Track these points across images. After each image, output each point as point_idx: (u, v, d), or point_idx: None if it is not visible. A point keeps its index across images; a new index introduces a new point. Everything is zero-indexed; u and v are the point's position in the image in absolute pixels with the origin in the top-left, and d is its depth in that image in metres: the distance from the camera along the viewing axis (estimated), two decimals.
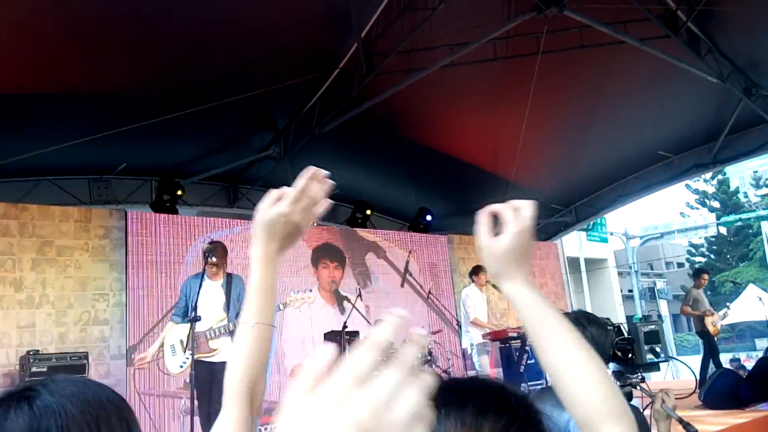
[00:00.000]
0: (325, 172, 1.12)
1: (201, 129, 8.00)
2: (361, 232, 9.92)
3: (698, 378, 8.37)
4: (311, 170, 1.11)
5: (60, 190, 8.19)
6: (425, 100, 8.47)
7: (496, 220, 1.03)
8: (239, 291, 5.30)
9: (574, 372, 0.91)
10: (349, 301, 8.29)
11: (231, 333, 5.16)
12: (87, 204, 8.23)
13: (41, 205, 7.38)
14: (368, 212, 10.13)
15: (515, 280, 0.98)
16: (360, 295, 8.29)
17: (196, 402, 4.88)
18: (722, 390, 6.24)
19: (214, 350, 5.05)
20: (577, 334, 0.95)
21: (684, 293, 10.78)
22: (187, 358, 4.83)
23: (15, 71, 6.17)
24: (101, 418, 0.84)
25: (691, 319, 8.97)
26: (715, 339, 8.70)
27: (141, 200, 8.74)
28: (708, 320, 8.50)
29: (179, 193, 8.23)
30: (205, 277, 5.04)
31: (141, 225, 7.76)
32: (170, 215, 8.08)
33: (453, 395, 0.78)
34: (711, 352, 8.69)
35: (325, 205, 1.12)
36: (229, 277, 5.28)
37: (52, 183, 8.15)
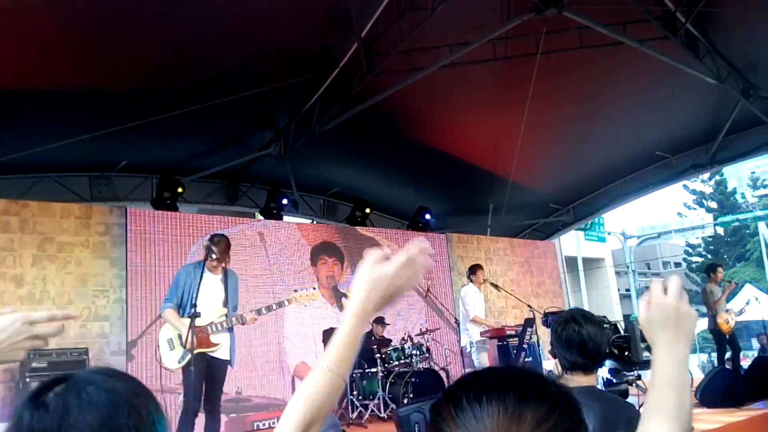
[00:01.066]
0: (432, 250, 1.19)
1: (202, 127, 8.04)
2: (360, 230, 9.96)
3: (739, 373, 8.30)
4: (423, 243, 1.17)
5: (61, 187, 8.22)
6: (425, 99, 8.51)
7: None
8: (235, 286, 5.29)
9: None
10: (347, 297, 8.34)
11: (230, 329, 5.14)
12: (88, 201, 8.26)
13: (42, 202, 7.41)
14: (367, 210, 10.16)
15: (659, 342, 1.14)
16: None
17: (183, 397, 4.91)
18: (718, 388, 6.28)
19: (216, 345, 5.03)
20: (685, 405, 1.09)
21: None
22: (187, 353, 4.81)
23: (16, 68, 6.20)
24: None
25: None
26: (727, 336, 8.56)
27: (142, 197, 8.78)
28: (721, 318, 8.46)
29: (180, 190, 8.26)
30: (206, 269, 5.04)
31: (141, 222, 7.79)
32: (171, 212, 8.12)
33: (494, 383, 0.80)
34: (722, 351, 8.66)
35: (422, 280, 1.21)
36: (226, 272, 5.25)
37: (53, 180, 8.18)
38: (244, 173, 9.52)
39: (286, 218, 9.62)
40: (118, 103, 7.12)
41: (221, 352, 5.05)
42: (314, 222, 10.50)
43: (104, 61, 6.47)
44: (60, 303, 7.07)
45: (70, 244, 7.31)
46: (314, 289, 5.72)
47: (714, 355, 26.25)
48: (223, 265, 5.19)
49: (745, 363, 8.27)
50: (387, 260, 1.14)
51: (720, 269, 8.99)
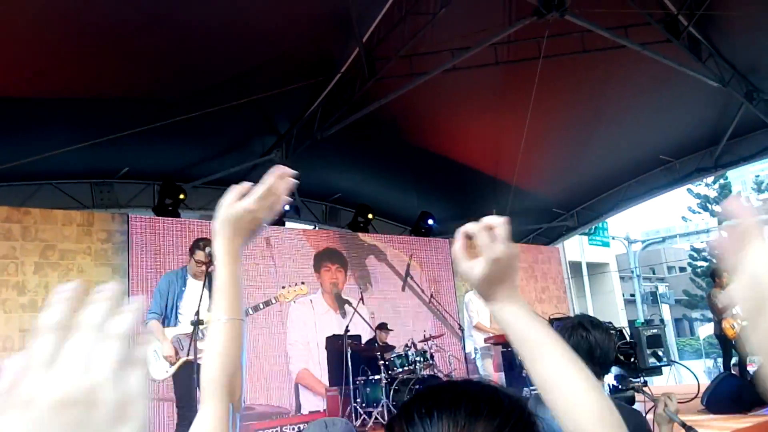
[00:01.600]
0: (292, 171, 1.13)
1: (203, 133, 8.03)
2: (362, 236, 9.93)
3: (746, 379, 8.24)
4: (280, 168, 1.13)
5: (63, 194, 8.21)
6: (427, 104, 8.49)
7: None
8: None
9: (563, 386, 0.90)
10: (350, 305, 8.30)
11: None
12: (90, 208, 8.25)
13: (44, 209, 7.40)
14: (370, 216, 10.13)
15: (497, 301, 0.96)
16: (362, 298, 8.30)
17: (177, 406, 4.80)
18: (725, 394, 6.22)
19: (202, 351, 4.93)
20: (565, 346, 0.93)
21: (686, 297, 10.67)
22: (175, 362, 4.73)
23: (17, 75, 6.20)
24: None
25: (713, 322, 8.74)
26: (733, 342, 8.47)
27: (143, 204, 8.76)
28: (727, 323, 8.38)
29: (181, 197, 8.24)
30: (189, 275, 4.96)
31: (143, 229, 7.77)
32: (172, 219, 8.10)
33: (445, 397, 0.79)
34: (728, 356, 8.58)
35: (286, 202, 1.14)
36: (210, 276, 5.12)
37: (54, 187, 8.17)
38: (246, 179, 9.32)
39: (288, 224, 9.59)
40: (119, 110, 7.11)
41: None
42: (316, 228, 10.47)
43: (105, 68, 6.46)
44: None
45: (72, 252, 7.29)
46: (302, 283, 5.57)
47: (720, 360, 26.13)
48: (210, 270, 5.08)
49: (752, 368, 8.19)
50: (245, 196, 1.10)
51: (726, 274, 8.87)
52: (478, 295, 1.00)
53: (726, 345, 8.51)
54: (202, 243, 5.06)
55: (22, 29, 5.59)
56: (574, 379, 0.90)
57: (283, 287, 5.49)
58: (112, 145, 7.10)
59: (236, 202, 1.10)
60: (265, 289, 8.33)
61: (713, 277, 9.08)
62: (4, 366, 0.47)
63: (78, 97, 6.78)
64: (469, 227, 0.97)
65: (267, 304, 5.31)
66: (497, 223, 0.96)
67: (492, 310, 0.97)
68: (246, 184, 1.11)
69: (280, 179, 1.12)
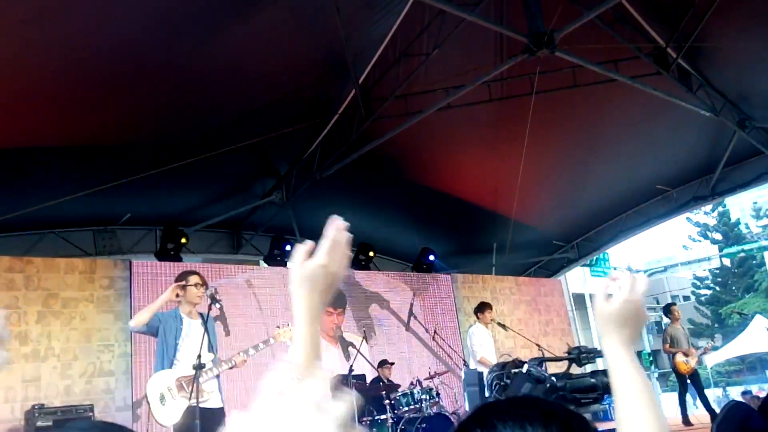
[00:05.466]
0: (346, 224, 1.16)
1: (204, 177, 8.11)
2: (364, 282, 9.87)
3: (681, 416, 8.29)
4: (336, 220, 1.16)
5: (65, 242, 8.25)
6: (424, 141, 8.60)
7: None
8: (214, 329, 5.14)
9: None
10: (354, 347, 8.25)
11: (217, 375, 4.93)
12: (92, 255, 8.29)
13: (46, 258, 7.42)
14: (371, 254, 10.16)
15: (612, 338, 1.10)
16: (365, 338, 8.26)
17: None
18: (734, 422, 6.15)
19: (208, 393, 4.79)
20: (653, 401, 1.04)
21: (691, 326, 10.63)
22: (180, 406, 4.63)
23: (17, 126, 6.28)
24: None
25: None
26: (688, 376, 8.42)
27: (146, 249, 8.79)
28: (678, 359, 8.39)
29: (183, 241, 8.28)
30: (183, 315, 4.92)
31: (146, 274, 7.78)
32: (174, 263, 8.11)
33: (534, 413, 0.81)
34: (683, 390, 8.57)
35: (350, 254, 1.16)
36: (203, 315, 5.04)
37: (57, 235, 8.22)
38: (247, 221, 9.56)
39: (290, 265, 9.59)
40: (120, 157, 7.20)
41: (214, 401, 4.83)
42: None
43: (105, 115, 6.56)
44: (65, 359, 7.02)
45: (74, 300, 7.29)
46: None
47: (729, 389, 25.76)
48: (200, 310, 5.02)
49: (762, 395, 8.12)
50: (312, 254, 1.12)
51: (675, 308, 9.01)
52: (598, 330, 1.16)
53: (682, 379, 8.52)
54: (191, 278, 5.01)
55: (22, 80, 5.71)
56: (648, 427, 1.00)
57: (278, 327, 5.41)
58: (113, 192, 7.17)
59: (306, 260, 1.11)
60: (268, 329, 8.30)
61: (666, 313, 9.13)
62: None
63: (79, 145, 6.87)
64: (619, 273, 1.17)
65: (265, 343, 5.26)
66: (641, 278, 1.15)
67: (603, 346, 1.13)
68: (307, 242, 1.13)
69: (340, 231, 1.14)
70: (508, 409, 0.82)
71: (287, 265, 9.42)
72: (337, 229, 1.14)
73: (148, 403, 4.74)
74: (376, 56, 7.54)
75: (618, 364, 1.08)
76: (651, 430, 0.99)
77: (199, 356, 4.62)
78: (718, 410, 8.52)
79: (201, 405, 4.54)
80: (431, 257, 10.77)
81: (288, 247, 9.19)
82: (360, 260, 10.14)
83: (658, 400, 1.05)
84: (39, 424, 6.14)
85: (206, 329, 4.85)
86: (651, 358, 21.88)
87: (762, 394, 8.32)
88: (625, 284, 1.12)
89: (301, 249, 1.12)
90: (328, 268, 1.11)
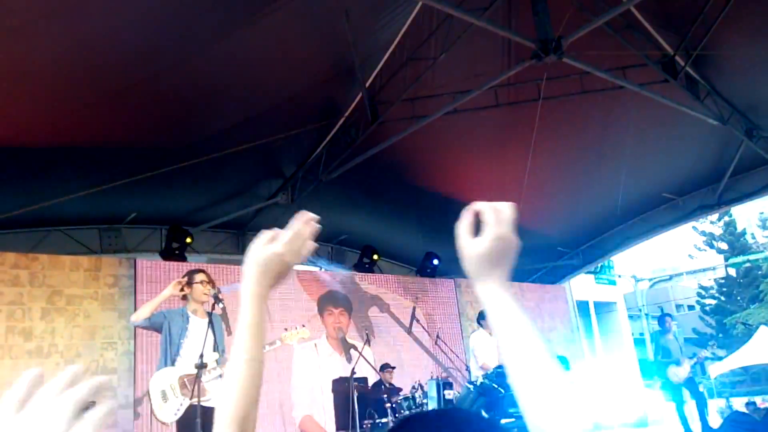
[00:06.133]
0: (315, 217, 1.20)
1: (210, 178, 8.13)
2: (364, 286, 9.87)
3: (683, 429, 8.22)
4: (304, 214, 1.19)
5: (71, 240, 8.28)
6: (429, 146, 8.60)
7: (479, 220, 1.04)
8: (221, 329, 5.15)
9: (532, 378, 0.92)
10: (356, 349, 8.24)
11: (221, 375, 4.93)
12: (98, 253, 8.32)
13: (51, 255, 7.45)
14: (375, 257, 10.15)
15: (487, 281, 1.00)
16: (368, 341, 8.25)
17: None
18: None
19: (212, 392, 4.80)
20: (540, 342, 0.96)
21: (695, 336, 10.55)
22: (182, 404, 4.64)
23: (25, 124, 6.33)
24: None
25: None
26: (683, 386, 8.36)
27: (151, 248, 8.82)
28: (670, 370, 8.34)
29: (188, 240, 8.31)
30: (190, 314, 4.93)
31: (150, 273, 7.80)
32: (179, 263, 8.13)
33: (444, 423, 0.82)
34: (679, 401, 8.50)
35: (312, 246, 1.19)
36: (210, 315, 5.03)
37: (63, 233, 8.25)
38: (252, 222, 9.57)
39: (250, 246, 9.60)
40: (126, 156, 7.23)
41: (216, 400, 4.84)
42: (322, 270, 10.48)
43: (114, 116, 6.60)
44: (68, 356, 7.04)
45: (78, 297, 7.32)
46: (303, 326, 5.49)
47: (732, 400, 25.61)
48: (207, 308, 5.02)
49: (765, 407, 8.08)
50: (274, 239, 1.15)
51: (668, 320, 8.90)
52: (468, 273, 1.02)
53: (676, 390, 8.47)
54: (197, 276, 5.02)
55: (30, 80, 5.74)
56: (544, 373, 0.92)
57: (286, 329, 5.42)
58: (119, 191, 7.20)
59: (266, 246, 1.15)
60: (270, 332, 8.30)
61: (660, 322, 9.05)
62: None
63: (86, 145, 6.90)
64: (479, 205, 1.02)
65: (271, 344, 5.24)
66: (506, 206, 1.03)
67: (478, 291, 1.00)
68: (274, 230, 1.16)
69: (305, 224, 1.18)
70: (424, 421, 0.82)
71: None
72: (304, 221, 1.18)
73: (150, 399, 4.74)
74: (383, 60, 7.56)
75: (499, 306, 0.98)
76: (544, 368, 0.92)
77: (202, 355, 4.62)
78: (718, 422, 8.50)
79: (203, 404, 4.54)
80: (435, 261, 10.76)
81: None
82: (364, 263, 10.14)
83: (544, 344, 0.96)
84: None
85: (212, 328, 4.86)
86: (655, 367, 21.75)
87: (766, 406, 8.27)
88: (490, 217, 1.01)
89: (265, 234, 1.16)
90: (283, 257, 1.14)
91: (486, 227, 1.00)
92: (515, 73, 7.07)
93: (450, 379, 8.08)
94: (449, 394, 6.77)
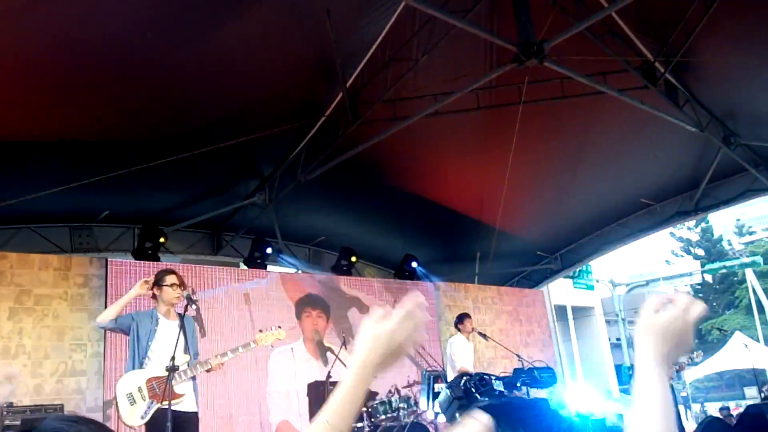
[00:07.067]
0: (427, 303, 1.20)
1: (185, 176, 7.98)
2: (344, 287, 9.78)
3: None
4: (418, 296, 1.19)
5: (41, 238, 8.08)
6: (410, 147, 8.54)
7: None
8: (193, 331, 5.00)
9: None
10: (332, 352, 8.14)
11: (193, 378, 4.79)
12: (68, 252, 8.12)
13: (20, 253, 7.26)
14: (353, 259, 10.06)
15: (647, 351, 1.08)
16: (344, 344, 8.15)
17: None
18: None
19: (181, 395, 4.64)
20: (671, 423, 1.01)
21: None
22: (149, 407, 4.50)
23: None
24: None
25: None
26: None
27: (123, 248, 8.64)
28: None
29: (162, 240, 8.14)
30: (160, 316, 4.80)
31: (122, 273, 7.63)
32: (152, 263, 7.96)
33: None
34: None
35: (423, 336, 1.18)
36: (181, 316, 4.86)
37: (33, 231, 8.05)
38: (229, 222, 9.43)
39: (270, 268, 9.48)
40: (99, 153, 7.07)
41: (187, 404, 4.69)
42: (299, 272, 10.36)
43: (86, 111, 6.44)
44: (36, 357, 6.86)
45: (47, 297, 7.13)
46: (279, 327, 5.33)
47: (707, 405, 25.91)
48: (178, 310, 4.87)
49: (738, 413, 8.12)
50: (387, 317, 1.16)
51: None
52: (637, 341, 1.11)
53: None
54: (167, 278, 4.86)
55: (1, 73, 5.57)
56: None
57: (261, 330, 5.28)
58: (92, 188, 7.02)
59: (376, 323, 1.16)
60: (245, 335, 8.17)
61: None
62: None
63: (58, 140, 6.73)
64: (674, 295, 1.12)
65: (245, 347, 5.08)
66: (697, 304, 1.11)
67: (637, 357, 1.09)
68: (386, 307, 1.18)
69: (417, 307, 1.17)
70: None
71: (267, 268, 9.32)
72: (416, 303, 1.17)
73: (117, 403, 4.60)
74: (365, 60, 7.48)
75: (645, 379, 1.04)
76: None
77: (173, 358, 4.48)
78: (693, 426, 8.53)
79: (173, 407, 4.41)
80: (414, 264, 10.70)
81: (269, 250, 9.06)
82: (342, 265, 10.04)
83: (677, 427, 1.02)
84: (7, 422, 5.97)
85: (183, 330, 4.71)
86: (631, 373, 21.92)
87: (739, 411, 8.31)
88: (680, 303, 1.09)
89: (378, 311, 1.18)
90: (394, 335, 1.14)
91: (672, 307, 1.09)
92: (497, 76, 7.05)
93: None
94: (438, 387, 6.99)
